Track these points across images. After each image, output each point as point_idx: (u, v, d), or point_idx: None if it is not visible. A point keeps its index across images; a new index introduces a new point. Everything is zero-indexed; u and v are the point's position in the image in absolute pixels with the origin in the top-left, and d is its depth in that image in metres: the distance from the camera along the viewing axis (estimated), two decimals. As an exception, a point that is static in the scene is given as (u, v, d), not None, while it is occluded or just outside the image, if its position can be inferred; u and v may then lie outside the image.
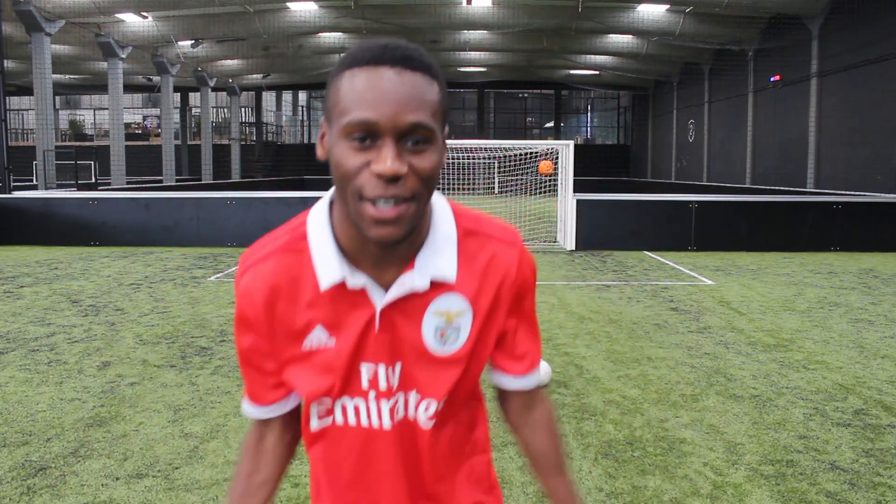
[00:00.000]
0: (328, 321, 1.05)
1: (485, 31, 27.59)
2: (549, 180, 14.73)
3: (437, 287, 1.06)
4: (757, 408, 4.50)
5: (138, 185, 22.99)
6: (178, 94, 39.97)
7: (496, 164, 16.62)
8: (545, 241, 13.77)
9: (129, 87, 34.56)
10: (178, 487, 3.32)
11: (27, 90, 31.57)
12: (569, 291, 8.69)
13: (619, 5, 23.64)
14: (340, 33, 27.93)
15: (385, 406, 1.09)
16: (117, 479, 3.41)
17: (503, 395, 1.24)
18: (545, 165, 13.44)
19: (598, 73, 36.83)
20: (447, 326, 1.07)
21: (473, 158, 15.82)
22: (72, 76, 35.78)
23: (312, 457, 1.18)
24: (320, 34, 27.82)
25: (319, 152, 0.99)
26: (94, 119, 46.96)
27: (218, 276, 9.90)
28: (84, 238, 13.47)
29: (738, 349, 5.97)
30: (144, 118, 46.13)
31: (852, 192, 17.03)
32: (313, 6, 24.08)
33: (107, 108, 31.72)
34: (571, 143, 13.77)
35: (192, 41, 26.91)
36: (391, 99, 0.89)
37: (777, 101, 24.30)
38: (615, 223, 13.20)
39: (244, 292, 1.07)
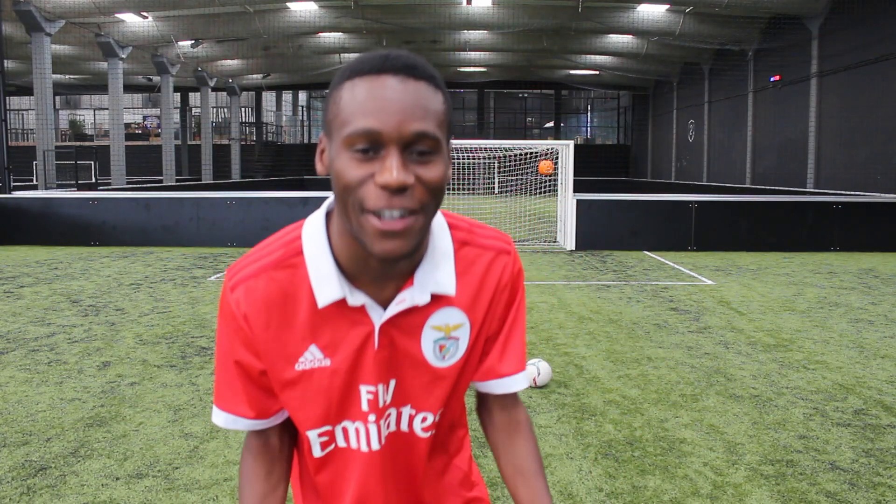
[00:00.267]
0: (323, 341, 1.01)
1: (485, 31, 27.59)
2: (549, 180, 14.73)
3: (435, 301, 1.03)
4: (757, 408, 4.50)
5: (138, 185, 22.99)
6: (178, 94, 39.97)
7: (496, 164, 16.64)
8: (545, 241, 13.77)
9: (129, 87, 34.56)
10: (178, 487, 3.32)
11: (27, 90, 31.58)
12: (569, 291, 8.69)
13: (619, 5, 23.64)
14: (340, 33, 27.93)
15: (373, 429, 1.07)
16: (117, 479, 3.41)
17: (486, 402, 1.21)
18: (545, 165, 13.45)
19: (598, 73, 36.83)
20: (446, 340, 1.05)
21: (473, 158, 15.83)
22: (72, 76, 35.78)
23: (307, 481, 1.17)
24: (320, 34, 27.82)
25: (319, 168, 0.95)
26: (94, 119, 46.96)
27: (218, 276, 9.90)
28: (84, 238, 13.47)
29: (738, 349, 5.97)
30: (144, 118, 46.13)
31: (852, 192, 17.03)
32: (313, 6, 24.08)
33: (107, 108, 31.72)
34: (571, 143, 13.77)
35: (192, 41, 26.91)
36: (395, 107, 0.85)
37: (777, 101, 24.30)
38: (615, 223, 13.20)
39: (237, 303, 1.01)
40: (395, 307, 1.00)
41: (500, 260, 1.08)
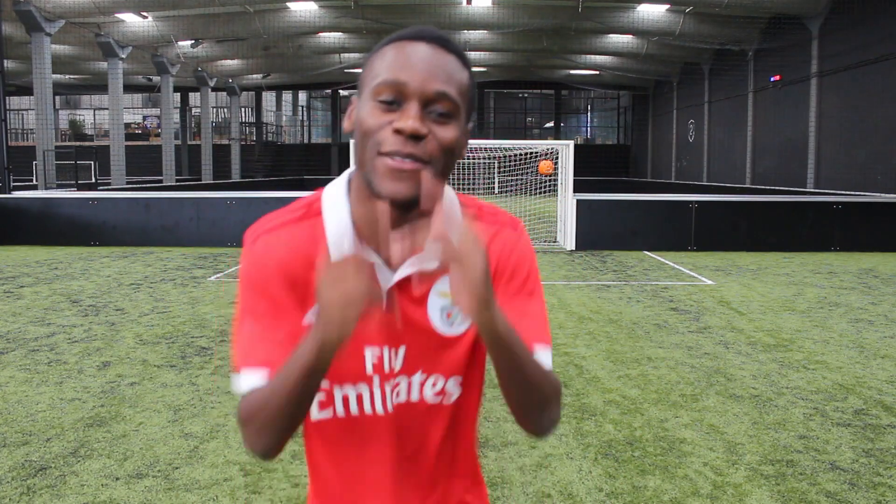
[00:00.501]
0: None
1: (485, 31, 27.59)
2: (549, 180, 14.73)
3: (441, 269, 1.03)
4: (757, 408, 4.50)
5: (138, 185, 22.99)
6: (178, 94, 39.96)
7: (496, 164, 16.64)
8: (545, 241, 13.77)
9: (129, 87, 34.56)
10: (178, 487, 3.32)
11: (27, 90, 31.58)
12: (569, 291, 8.69)
13: (619, 5, 23.64)
14: (340, 33, 27.93)
15: (387, 389, 1.08)
16: (117, 479, 3.41)
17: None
18: (545, 165, 13.45)
19: (598, 73, 36.83)
20: (452, 307, 1.07)
21: (473, 158, 15.83)
22: (72, 76, 35.78)
23: (311, 450, 1.15)
24: (320, 34, 27.82)
25: (346, 125, 1.01)
26: (94, 119, 46.96)
27: (218, 276, 9.90)
28: (84, 238, 13.47)
29: (738, 349, 5.97)
30: (144, 118, 46.13)
31: (852, 192, 17.03)
32: (313, 6, 24.08)
33: (107, 108, 31.70)
34: (571, 143, 13.77)
35: (192, 41, 26.91)
36: (422, 66, 0.93)
37: (777, 101, 24.30)
38: (615, 223, 13.20)
39: (258, 255, 1.05)
40: (404, 270, 1.03)
41: (505, 233, 1.10)
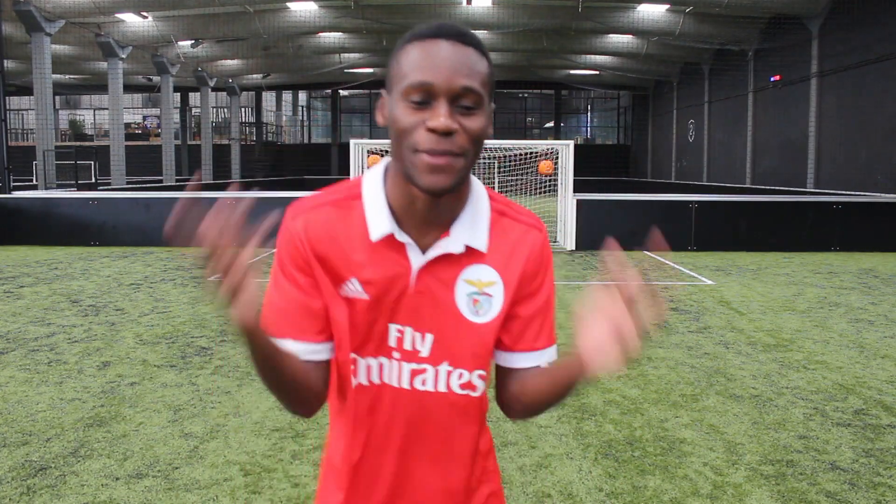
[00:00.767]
0: (365, 276, 1.12)
1: (485, 31, 27.58)
2: (549, 180, 14.73)
3: (469, 256, 1.14)
4: (757, 408, 4.50)
5: (138, 185, 22.99)
6: (178, 94, 39.95)
7: (496, 164, 16.63)
8: (545, 241, 13.75)
9: (129, 87, 34.55)
10: (178, 487, 3.32)
11: (27, 90, 31.57)
12: (569, 291, 8.69)
13: (619, 5, 23.64)
14: (340, 33, 27.92)
15: (406, 368, 1.15)
16: (117, 479, 3.41)
17: (507, 377, 1.24)
18: (545, 165, 13.46)
19: (598, 73, 36.81)
20: (479, 295, 1.14)
21: (473, 158, 15.80)
22: (72, 76, 35.77)
23: (337, 414, 1.22)
24: (320, 34, 27.81)
25: (379, 119, 1.10)
26: (94, 119, 46.96)
27: (218, 276, 9.89)
28: (84, 238, 13.47)
29: (738, 349, 5.97)
30: (144, 118, 46.12)
31: (852, 192, 17.03)
32: (313, 6, 24.08)
33: (107, 108, 31.70)
34: (571, 143, 13.77)
35: (192, 41, 26.91)
36: (446, 65, 1.01)
37: (777, 101, 24.30)
38: (615, 223, 13.19)
39: (299, 229, 1.14)
40: (432, 252, 1.12)
41: (532, 234, 1.19)
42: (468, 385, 1.17)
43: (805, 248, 12.91)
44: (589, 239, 13.05)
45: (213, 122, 38.91)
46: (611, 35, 27.89)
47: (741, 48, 25.69)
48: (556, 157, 13.93)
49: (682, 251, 12.86)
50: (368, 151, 13.77)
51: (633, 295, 1.01)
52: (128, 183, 24.99)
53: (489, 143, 15.35)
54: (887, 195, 15.59)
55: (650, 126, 39.78)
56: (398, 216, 1.11)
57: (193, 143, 41.74)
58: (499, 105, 46.12)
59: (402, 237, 1.11)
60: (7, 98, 16.35)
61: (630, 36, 27.65)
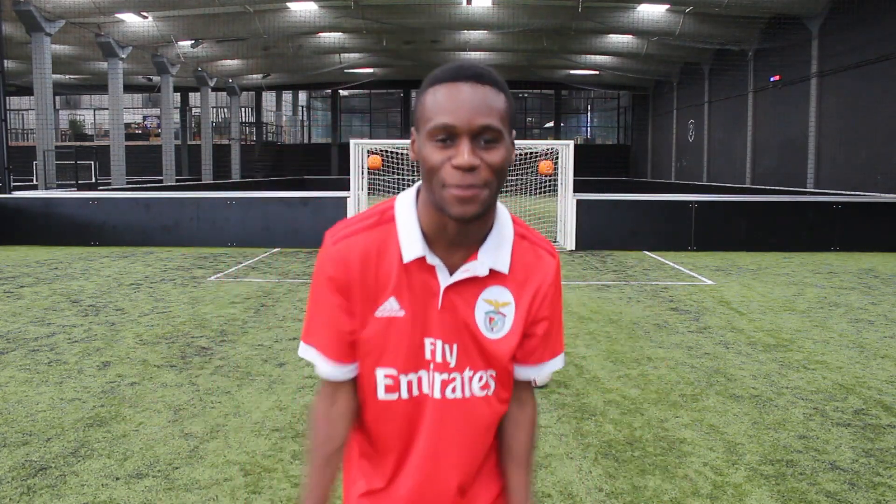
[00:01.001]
0: (400, 295, 1.23)
1: (485, 31, 27.60)
2: (549, 180, 14.73)
3: (490, 277, 1.25)
4: (757, 408, 4.50)
5: (138, 185, 22.99)
6: (178, 94, 39.97)
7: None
8: (545, 241, 13.74)
9: (129, 87, 34.55)
10: (178, 487, 3.32)
11: (27, 90, 31.57)
12: (569, 291, 8.69)
13: (619, 5, 23.63)
14: (340, 33, 27.92)
15: (438, 378, 1.26)
16: (117, 479, 3.41)
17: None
18: (545, 165, 13.44)
19: (598, 73, 36.83)
20: (495, 314, 1.26)
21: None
22: (72, 76, 35.78)
23: (366, 422, 1.32)
24: (320, 34, 27.81)
25: (411, 155, 1.21)
26: (94, 119, 46.96)
27: (218, 276, 9.90)
28: (84, 238, 13.47)
29: (738, 349, 5.97)
30: (144, 118, 46.13)
31: (852, 192, 17.02)
32: (313, 6, 24.08)
33: (107, 108, 31.71)
34: (571, 143, 13.77)
35: (192, 41, 26.91)
36: (466, 107, 1.11)
37: (777, 101, 24.29)
38: (615, 223, 13.20)
39: (338, 257, 1.24)
40: (461, 274, 1.23)
41: (548, 260, 1.31)
42: (486, 386, 1.29)
43: (805, 248, 12.91)
44: (589, 239, 13.05)
45: (213, 122, 38.90)
46: (611, 35, 27.89)
47: (741, 48, 25.69)
48: (556, 157, 13.93)
49: (682, 251, 12.86)
50: (368, 151, 13.76)
51: None
52: (128, 183, 25.00)
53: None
54: (887, 195, 15.59)
55: (650, 126, 39.78)
56: (429, 239, 1.22)
57: (193, 143, 41.74)
58: (499, 105, 46.10)
59: (432, 260, 1.22)
60: (7, 98, 16.35)
61: (630, 36, 27.65)
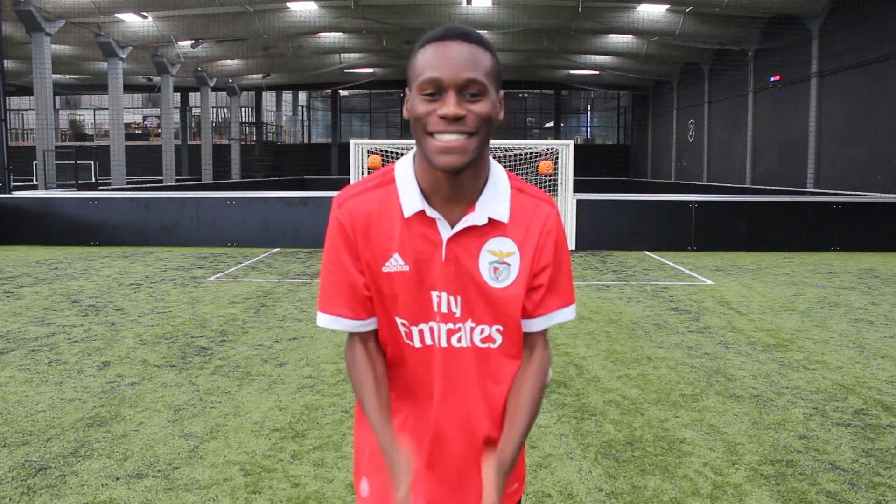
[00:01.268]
0: (404, 250, 1.29)
1: (485, 31, 27.58)
2: (549, 180, 14.72)
3: (492, 228, 1.31)
4: (757, 408, 4.50)
5: (138, 185, 22.99)
6: (178, 94, 39.95)
7: (496, 164, 16.59)
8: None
9: (129, 87, 34.55)
10: (178, 487, 3.32)
11: (27, 90, 31.58)
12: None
13: (619, 5, 23.63)
14: (340, 33, 27.92)
15: (444, 328, 1.33)
16: (117, 479, 3.41)
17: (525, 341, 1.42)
18: (545, 165, 13.44)
19: (598, 73, 36.81)
20: (499, 264, 1.31)
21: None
22: (72, 76, 35.77)
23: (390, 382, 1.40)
24: (320, 34, 27.81)
25: (405, 113, 1.27)
26: (94, 119, 46.96)
27: (218, 276, 9.90)
28: (84, 238, 13.47)
29: (738, 349, 5.97)
30: (144, 118, 46.12)
31: (852, 192, 17.02)
32: (313, 6, 24.07)
33: (107, 108, 31.70)
34: (571, 143, 13.76)
35: (192, 41, 26.90)
36: (452, 62, 1.18)
37: (777, 101, 24.29)
38: (615, 223, 13.20)
39: (345, 216, 1.31)
40: (461, 225, 1.29)
41: (545, 209, 1.35)
42: (488, 338, 1.34)
43: (805, 248, 12.91)
44: (589, 239, 13.05)
45: (213, 122, 38.89)
46: (611, 35, 27.88)
47: (741, 48, 25.68)
48: (556, 157, 13.93)
49: (682, 251, 12.86)
50: (368, 151, 13.76)
51: None
52: (128, 183, 25.00)
53: (490, 143, 15.38)
54: (887, 195, 15.58)
55: (650, 126, 39.77)
56: (427, 195, 1.29)
57: (193, 143, 41.73)
58: (499, 105, 46.10)
59: (431, 213, 1.28)
60: (7, 98, 16.35)
61: (630, 36, 27.64)
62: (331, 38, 28.29)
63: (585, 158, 32.36)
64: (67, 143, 38.92)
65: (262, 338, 6.26)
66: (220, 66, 33.41)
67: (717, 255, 12.36)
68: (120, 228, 13.54)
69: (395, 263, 1.29)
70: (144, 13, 23.74)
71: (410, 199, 1.28)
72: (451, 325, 1.32)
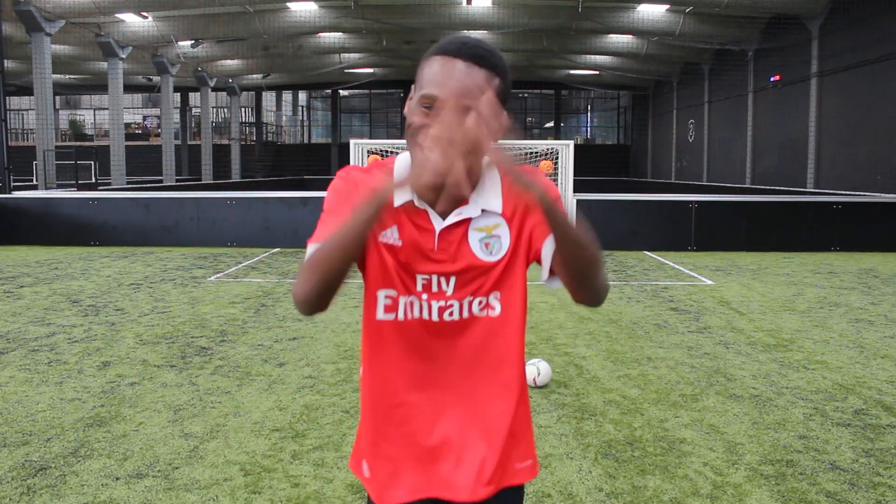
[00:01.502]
0: (400, 227, 1.31)
1: (485, 31, 27.56)
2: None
3: (484, 216, 1.33)
4: (757, 408, 4.50)
5: (138, 185, 22.99)
6: (178, 94, 39.94)
7: (496, 164, 16.60)
8: (545, 241, 13.74)
9: (129, 87, 34.54)
10: (178, 487, 3.32)
11: (27, 90, 31.55)
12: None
13: (619, 5, 23.63)
14: (340, 33, 27.92)
15: (435, 305, 1.34)
16: (117, 479, 3.41)
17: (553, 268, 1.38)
18: (545, 165, 13.45)
19: (598, 73, 36.81)
20: (489, 238, 1.33)
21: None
22: (72, 76, 35.77)
23: (369, 347, 1.38)
24: (320, 34, 27.81)
25: (406, 111, 1.29)
26: (94, 119, 46.95)
27: (218, 275, 9.90)
28: (84, 238, 13.47)
29: (738, 349, 5.97)
30: (144, 118, 46.11)
31: (852, 192, 17.02)
32: (313, 6, 24.07)
33: (107, 108, 31.70)
34: (571, 143, 13.78)
35: (192, 41, 26.90)
36: (456, 84, 1.18)
37: (777, 101, 24.29)
38: (615, 223, 13.20)
39: (349, 177, 1.34)
40: (453, 217, 1.30)
41: (529, 174, 1.32)
42: (487, 306, 1.35)
43: (805, 248, 12.91)
44: (589, 239, 13.03)
45: (213, 122, 38.89)
46: (611, 35, 27.88)
47: (741, 48, 25.68)
48: (556, 157, 13.94)
49: (682, 251, 12.86)
50: (368, 151, 13.77)
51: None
52: (128, 183, 24.99)
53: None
54: (887, 195, 15.58)
55: (650, 126, 39.77)
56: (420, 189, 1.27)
57: (193, 143, 41.73)
58: (499, 105, 46.07)
59: (420, 204, 1.29)
60: (7, 98, 16.35)
61: (630, 36, 27.64)
62: (331, 38, 28.29)
63: (585, 158, 32.33)
64: (67, 143, 38.91)
65: (262, 338, 6.27)
66: (220, 66, 33.41)
67: (717, 255, 12.36)
68: (120, 228, 13.54)
69: (391, 236, 1.31)
70: (144, 13, 23.75)
71: (401, 190, 1.23)
72: (441, 303, 1.33)
